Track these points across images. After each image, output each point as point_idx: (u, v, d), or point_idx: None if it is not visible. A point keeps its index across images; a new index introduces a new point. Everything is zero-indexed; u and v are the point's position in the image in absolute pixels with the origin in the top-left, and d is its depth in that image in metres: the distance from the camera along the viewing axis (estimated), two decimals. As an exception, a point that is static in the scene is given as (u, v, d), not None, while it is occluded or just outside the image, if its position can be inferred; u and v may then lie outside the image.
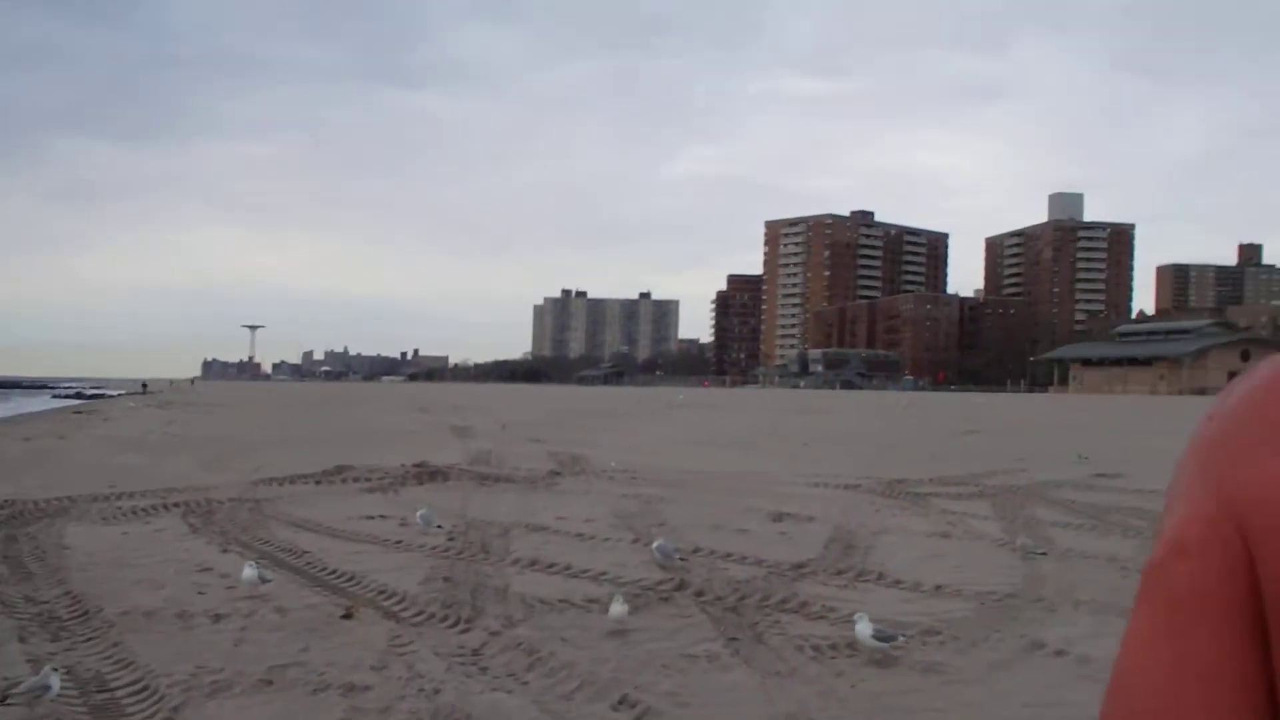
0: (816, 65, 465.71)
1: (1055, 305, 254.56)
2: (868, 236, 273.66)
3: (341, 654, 6.91)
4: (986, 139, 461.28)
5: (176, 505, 14.25)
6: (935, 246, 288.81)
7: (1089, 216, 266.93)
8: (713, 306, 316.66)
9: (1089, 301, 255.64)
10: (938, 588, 9.15)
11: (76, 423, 38.75)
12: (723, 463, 22.37)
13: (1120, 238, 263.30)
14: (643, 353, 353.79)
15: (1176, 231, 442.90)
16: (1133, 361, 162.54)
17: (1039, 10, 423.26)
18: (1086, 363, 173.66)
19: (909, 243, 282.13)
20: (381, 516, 13.34)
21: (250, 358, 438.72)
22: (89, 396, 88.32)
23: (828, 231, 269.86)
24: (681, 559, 10.06)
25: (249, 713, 5.82)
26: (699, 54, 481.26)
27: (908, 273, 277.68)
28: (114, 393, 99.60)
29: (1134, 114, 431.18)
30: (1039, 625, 7.85)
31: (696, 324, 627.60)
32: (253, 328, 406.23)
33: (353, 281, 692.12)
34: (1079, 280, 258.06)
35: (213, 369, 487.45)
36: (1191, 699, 0.73)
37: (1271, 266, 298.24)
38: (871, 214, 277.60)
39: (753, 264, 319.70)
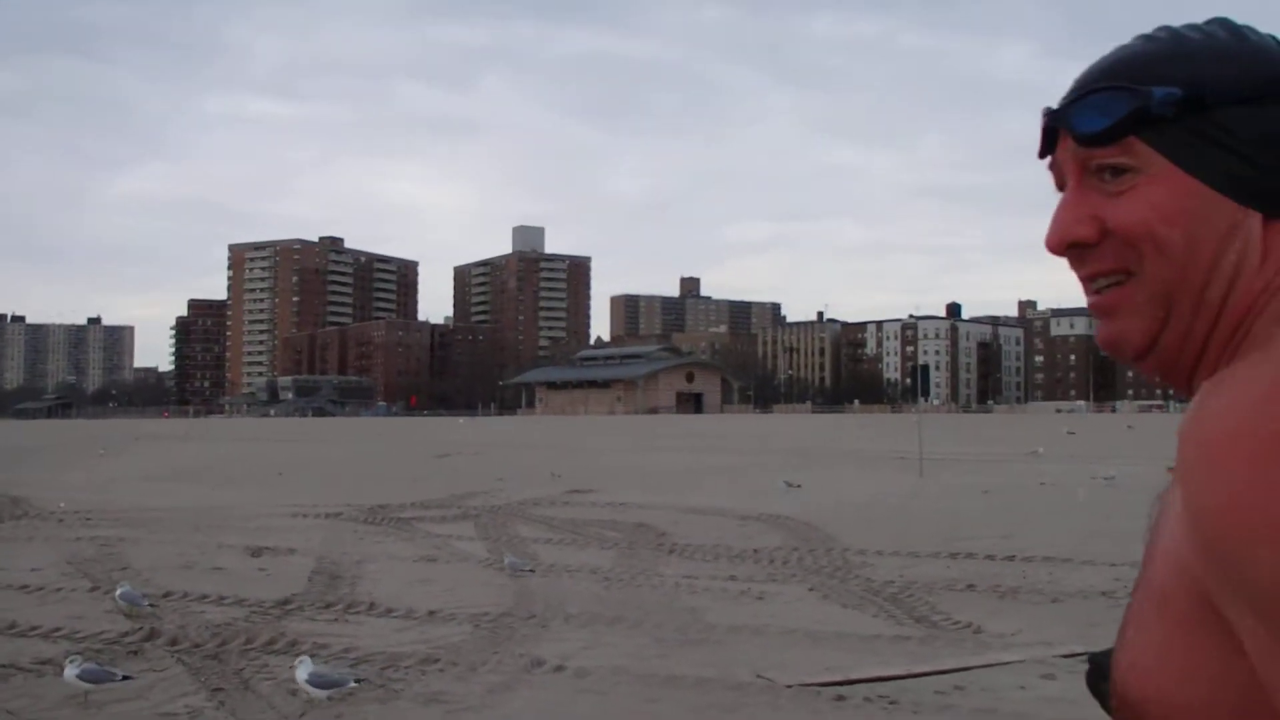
0: (278, 87, 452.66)
1: (521, 332, 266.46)
2: (337, 263, 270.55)
3: None
4: (455, 171, 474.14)
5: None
6: (406, 274, 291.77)
7: (550, 249, 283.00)
8: (173, 333, 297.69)
9: (552, 328, 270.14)
10: (431, 613, 8.95)
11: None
12: (191, 497, 20.78)
13: (579, 269, 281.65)
14: (94, 383, 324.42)
15: (627, 265, 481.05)
16: (593, 384, 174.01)
17: (503, 54, 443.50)
18: (551, 386, 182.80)
19: (379, 270, 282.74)
20: None
21: None
22: None
23: (296, 257, 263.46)
24: (151, 605, 9.08)
25: None
26: (150, 66, 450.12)
27: (379, 299, 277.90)
28: None
29: (589, 157, 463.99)
30: (535, 642, 7.89)
31: (155, 351, 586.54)
32: None
33: None
34: (542, 308, 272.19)
35: None
36: None
37: (709, 298, 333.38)
38: (341, 240, 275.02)
39: (216, 289, 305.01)
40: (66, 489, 22.29)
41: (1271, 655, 0.71)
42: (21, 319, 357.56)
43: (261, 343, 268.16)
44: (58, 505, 18.61)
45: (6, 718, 6.19)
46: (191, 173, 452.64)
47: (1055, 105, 0.90)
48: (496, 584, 10.46)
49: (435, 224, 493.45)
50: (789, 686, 6.55)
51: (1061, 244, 0.89)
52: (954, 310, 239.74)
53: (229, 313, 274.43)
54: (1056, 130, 0.90)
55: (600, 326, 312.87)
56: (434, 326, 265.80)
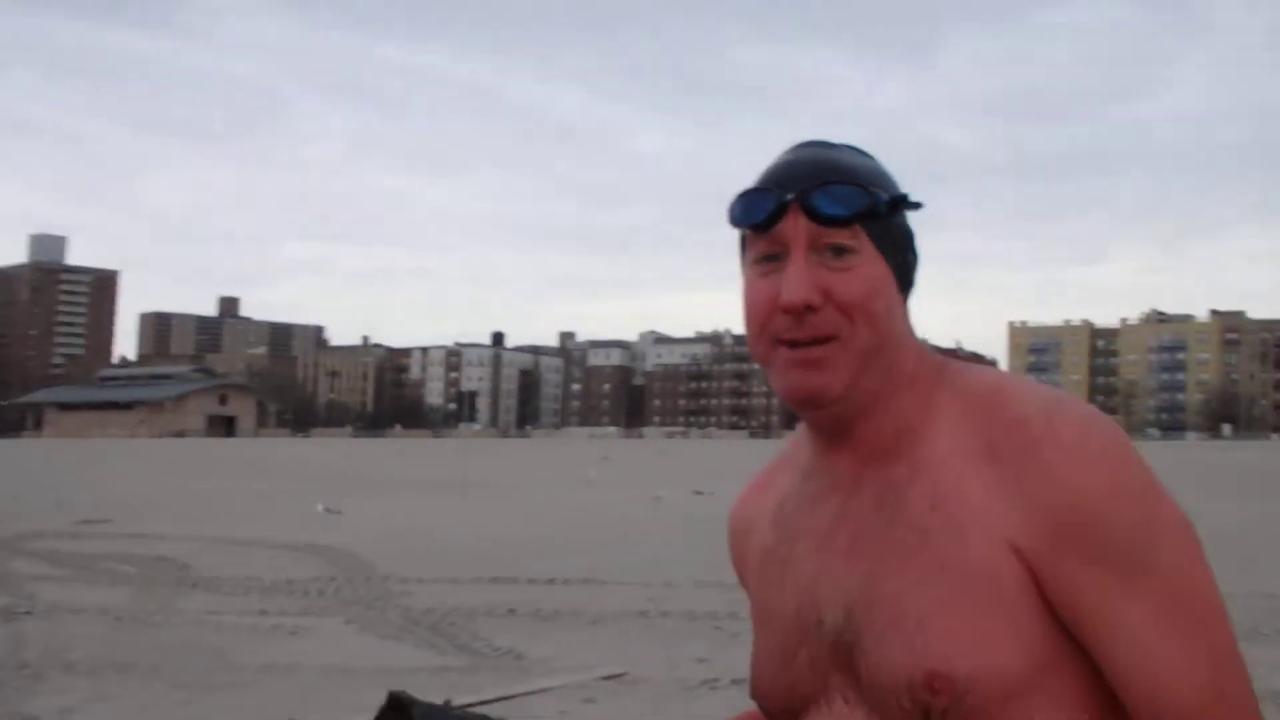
0: None
1: (32, 348, 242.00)
2: None
3: None
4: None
5: None
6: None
7: (72, 260, 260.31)
8: None
9: (69, 345, 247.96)
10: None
11: None
12: None
13: (105, 284, 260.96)
14: None
15: (164, 281, 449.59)
16: (114, 405, 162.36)
17: (34, 49, 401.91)
18: (64, 407, 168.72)
19: None
20: None
21: None
22: None
23: None
24: None
25: None
26: None
27: None
28: None
29: (126, 165, 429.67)
30: (27, 697, 6.84)
31: None
32: None
33: None
34: (59, 324, 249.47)
35: None
36: None
37: (248, 318, 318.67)
38: None
39: None
40: None
41: (1122, 599, 0.99)
42: None
43: None
44: None
45: None
46: None
47: (797, 192, 1.08)
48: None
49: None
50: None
51: (802, 305, 1.05)
52: (498, 338, 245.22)
53: None
54: (786, 207, 1.08)
55: (127, 345, 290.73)
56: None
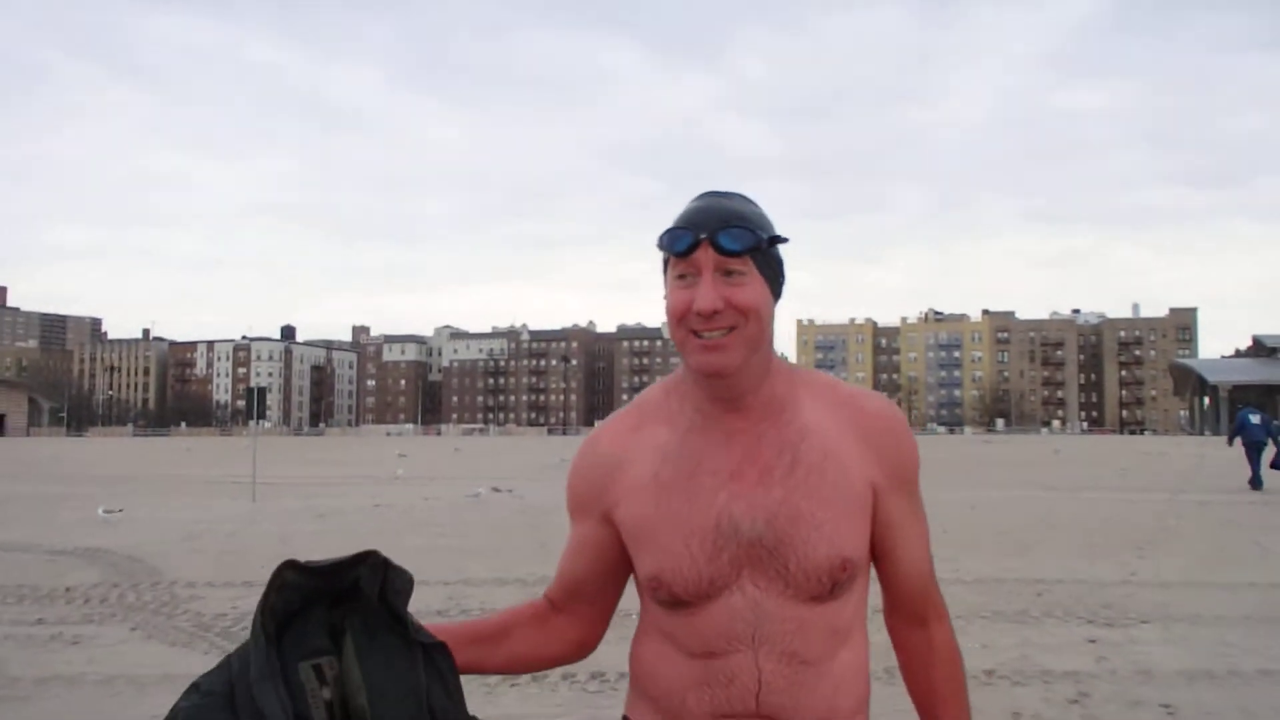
0: None
1: None
2: None
3: None
4: None
5: None
6: None
7: None
8: None
9: None
10: None
11: None
12: None
13: None
14: None
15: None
16: None
17: None
18: None
19: None
20: None
21: None
22: None
23: None
24: None
25: None
26: None
27: None
28: None
29: None
30: None
31: None
32: None
33: None
34: None
35: None
36: None
37: (17, 309, 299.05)
38: None
39: None
40: None
41: (909, 514, 1.78)
42: None
43: None
44: None
45: None
46: None
47: (709, 232, 1.62)
48: None
49: None
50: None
51: (711, 311, 1.60)
52: (288, 332, 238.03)
53: None
54: (699, 242, 1.62)
55: None
56: None
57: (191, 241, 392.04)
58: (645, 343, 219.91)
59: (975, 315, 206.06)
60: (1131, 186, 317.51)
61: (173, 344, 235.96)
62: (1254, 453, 25.49)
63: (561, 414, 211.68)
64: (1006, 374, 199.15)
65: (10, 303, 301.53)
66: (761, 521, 1.65)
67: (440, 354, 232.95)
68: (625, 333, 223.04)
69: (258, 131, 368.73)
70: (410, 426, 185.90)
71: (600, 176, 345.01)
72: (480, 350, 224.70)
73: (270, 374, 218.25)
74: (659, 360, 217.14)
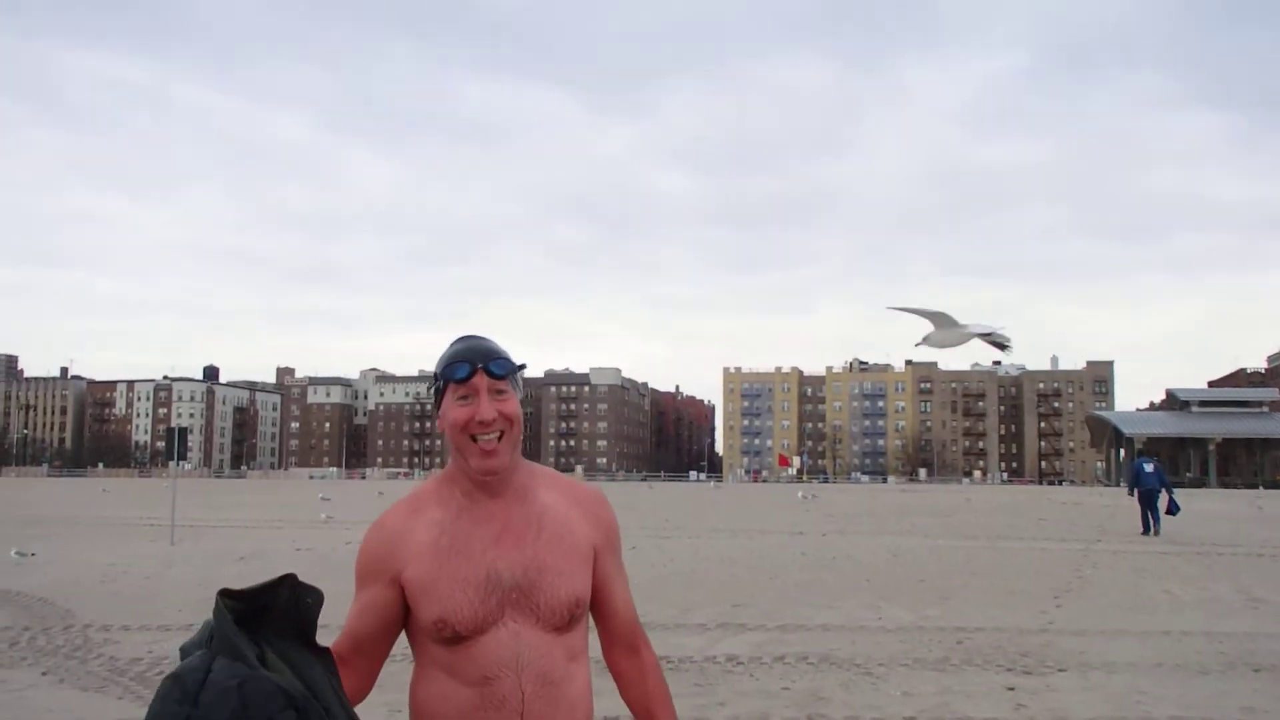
0: None
1: None
2: None
3: None
4: None
5: None
6: None
7: None
8: None
9: None
10: None
11: None
12: None
13: None
14: None
15: None
16: None
17: None
18: None
19: None
20: None
21: None
22: None
23: None
24: None
25: None
26: None
27: None
28: None
29: None
30: None
31: None
32: None
33: None
34: None
35: None
36: None
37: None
38: None
39: None
40: None
41: (615, 568, 2.40)
42: None
43: None
44: None
45: None
46: None
47: (483, 363, 2.22)
48: None
49: None
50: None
51: (491, 419, 2.19)
52: (211, 373, 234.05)
53: None
54: (476, 369, 2.21)
55: None
56: None
57: (114, 280, 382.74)
58: (573, 388, 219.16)
59: (899, 366, 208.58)
60: (1050, 240, 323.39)
61: (91, 383, 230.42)
62: (1146, 501, 26.21)
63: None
64: (929, 424, 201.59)
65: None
66: (519, 572, 2.19)
67: (366, 397, 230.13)
68: (553, 378, 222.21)
69: (184, 172, 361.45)
70: (334, 470, 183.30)
71: (527, 222, 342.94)
72: (406, 394, 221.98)
73: (192, 415, 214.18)
74: (586, 406, 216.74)
